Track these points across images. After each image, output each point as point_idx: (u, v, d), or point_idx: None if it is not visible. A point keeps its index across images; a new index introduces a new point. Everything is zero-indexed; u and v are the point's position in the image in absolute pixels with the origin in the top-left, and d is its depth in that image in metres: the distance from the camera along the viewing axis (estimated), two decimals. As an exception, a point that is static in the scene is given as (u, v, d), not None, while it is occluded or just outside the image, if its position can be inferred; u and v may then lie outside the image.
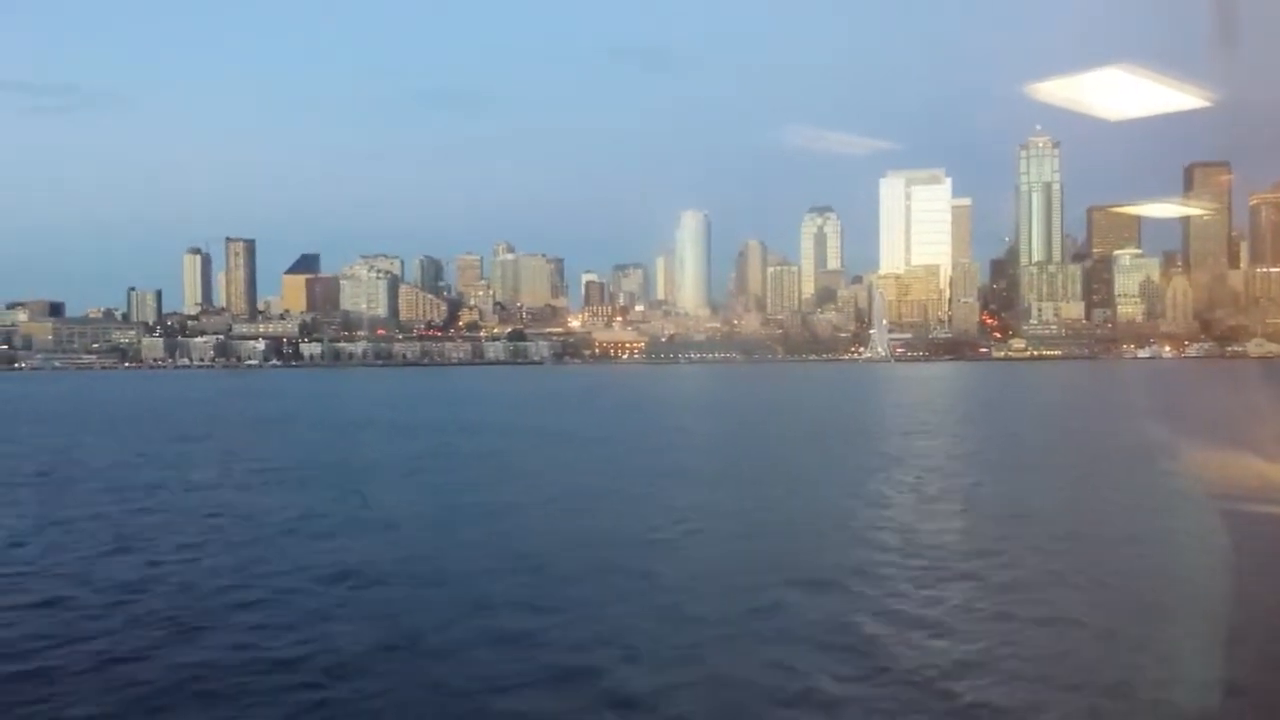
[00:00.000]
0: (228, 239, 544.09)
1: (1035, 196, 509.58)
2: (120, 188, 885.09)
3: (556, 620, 17.90)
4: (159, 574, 22.36)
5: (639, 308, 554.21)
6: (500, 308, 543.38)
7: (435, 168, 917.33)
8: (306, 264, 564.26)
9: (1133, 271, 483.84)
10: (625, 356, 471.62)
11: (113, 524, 29.23)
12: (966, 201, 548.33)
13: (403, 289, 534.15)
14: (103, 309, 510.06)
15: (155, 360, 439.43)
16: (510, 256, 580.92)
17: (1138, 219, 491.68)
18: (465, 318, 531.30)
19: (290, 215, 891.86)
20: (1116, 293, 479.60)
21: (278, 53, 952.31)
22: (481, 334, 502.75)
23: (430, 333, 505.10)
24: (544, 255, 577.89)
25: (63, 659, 16.06)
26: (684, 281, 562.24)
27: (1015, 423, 77.46)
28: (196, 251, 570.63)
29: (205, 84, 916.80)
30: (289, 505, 33.16)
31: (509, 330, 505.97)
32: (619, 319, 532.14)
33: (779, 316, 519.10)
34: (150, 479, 40.74)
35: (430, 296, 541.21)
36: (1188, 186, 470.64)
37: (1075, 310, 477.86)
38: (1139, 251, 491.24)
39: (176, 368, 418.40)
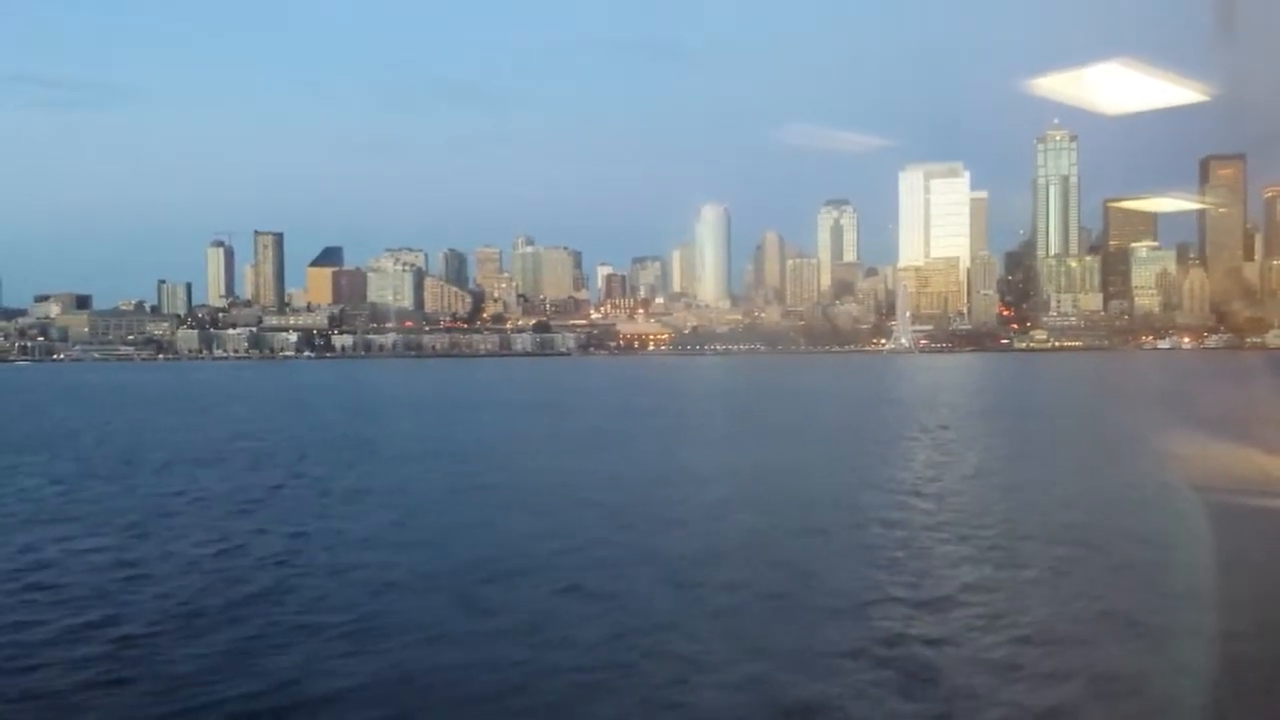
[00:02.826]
0: (256, 232, 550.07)
1: (1053, 189, 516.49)
2: (136, 182, 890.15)
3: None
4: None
5: (659, 300, 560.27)
6: (523, 300, 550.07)
7: (448, 161, 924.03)
8: (330, 256, 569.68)
9: (1149, 264, 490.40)
10: (651, 348, 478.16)
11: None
12: (983, 194, 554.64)
13: (428, 281, 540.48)
14: (133, 301, 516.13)
15: (190, 352, 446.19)
16: (530, 249, 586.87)
17: (1154, 212, 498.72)
18: (489, 310, 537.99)
19: (307, 207, 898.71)
20: (1134, 285, 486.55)
21: (288, 46, 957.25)
22: (507, 326, 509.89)
23: (456, 324, 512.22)
24: (565, 247, 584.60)
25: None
26: (704, 274, 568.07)
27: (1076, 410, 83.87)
28: (220, 244, 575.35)
29: (217, 78, 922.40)
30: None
31: (533, 322, 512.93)
32: (641, 311, 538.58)
33: (799, 309, 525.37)
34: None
35: (455, 289, 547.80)
36: (1203, 179, 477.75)
37: (1093, 302, 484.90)
38: (1155, 244, 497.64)
39: (214, 359, 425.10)
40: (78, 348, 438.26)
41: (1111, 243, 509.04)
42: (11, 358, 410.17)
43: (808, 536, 24.52)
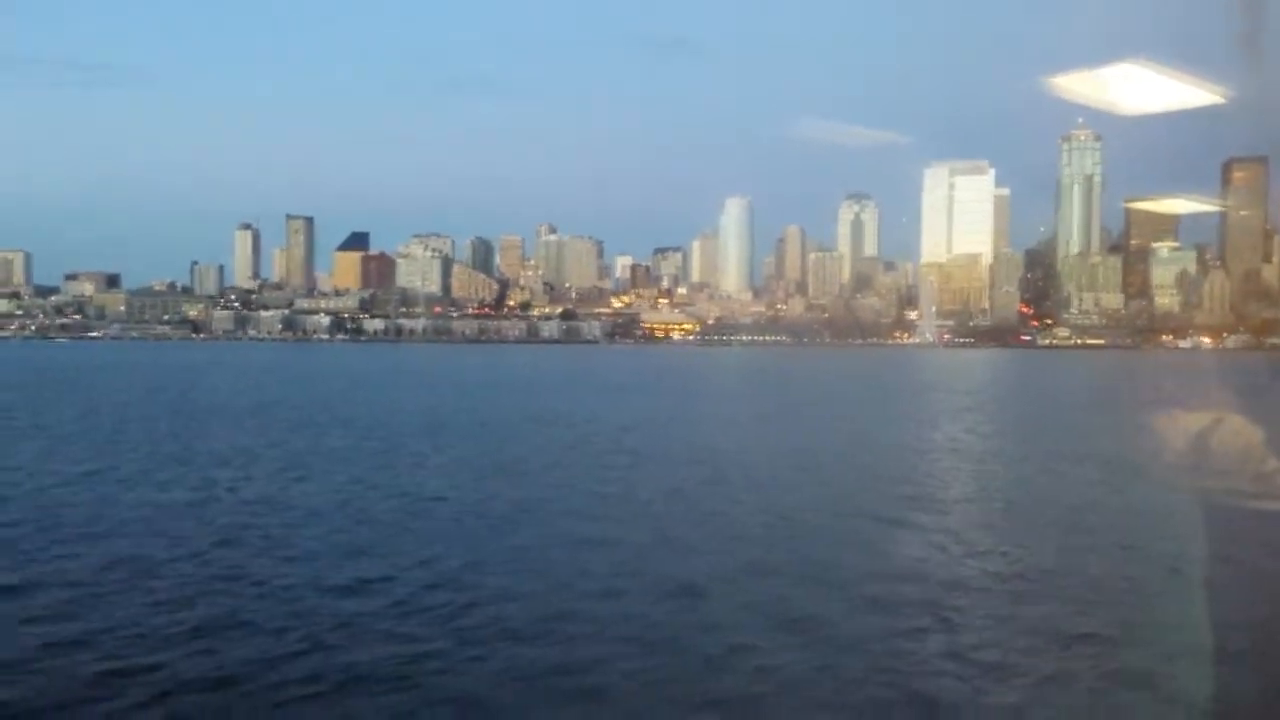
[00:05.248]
0: (287, 216, 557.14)
1: (1076, 188, 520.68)
2: (163, 164, 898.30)
3: None
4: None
5: (682, 290, 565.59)
6: (549, 288, 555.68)
7: (469, 152, 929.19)
8: (357, 241, 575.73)
9: (1170, 264, 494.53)
10: (676, 338, 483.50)
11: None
12: (1005, 191, 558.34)
13: (455, 268, 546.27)
14: (165, 281, 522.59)
15: (225, 333, 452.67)
16: (553, 238, 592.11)
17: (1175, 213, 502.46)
18: (515, 297, 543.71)
19: (330, 193, 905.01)
20: (1154, 284, 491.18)
21: (312, 36, 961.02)
22: (534, 313, 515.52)
23: (483, 311, 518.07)
24: (589, 237, 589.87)
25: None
26: (727, 266, 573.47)
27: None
28: (247, 227, 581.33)
29: (229, 65, 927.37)
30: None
31: (559, 310, 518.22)
32: (664, 301, 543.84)
33: (821, 301, 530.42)
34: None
35: (482, 276, 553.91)
36: (1224, 181, 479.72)
37: (1114, 301, 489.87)
38: (1176, 245, 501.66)
39: (250, 340, 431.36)
40: (115, 326, 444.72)
41: (1132, 242, 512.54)
42: (52, 335, 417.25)
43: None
